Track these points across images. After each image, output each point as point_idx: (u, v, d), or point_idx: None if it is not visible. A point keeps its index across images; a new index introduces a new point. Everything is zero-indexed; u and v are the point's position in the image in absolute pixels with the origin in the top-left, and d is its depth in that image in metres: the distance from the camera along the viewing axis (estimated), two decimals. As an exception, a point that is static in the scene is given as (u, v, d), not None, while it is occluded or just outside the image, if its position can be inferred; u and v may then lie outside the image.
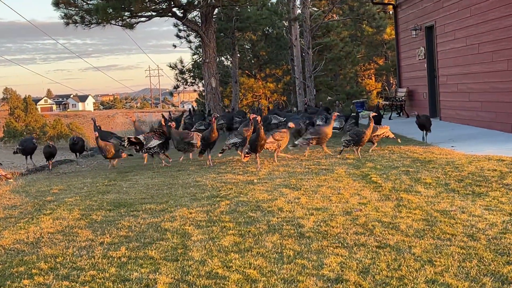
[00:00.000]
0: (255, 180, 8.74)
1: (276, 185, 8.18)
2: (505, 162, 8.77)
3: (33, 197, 8.90)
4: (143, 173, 10.74)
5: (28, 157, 14.60)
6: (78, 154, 14.48)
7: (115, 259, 5.32)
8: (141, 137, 11.39)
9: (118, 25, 18.44)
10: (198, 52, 30.36)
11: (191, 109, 21.16)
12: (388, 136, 11.29)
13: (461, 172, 8.21)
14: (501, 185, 7.31)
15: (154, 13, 19.07)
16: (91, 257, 5.43)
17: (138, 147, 11.47)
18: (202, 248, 5.44)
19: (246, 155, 10.29)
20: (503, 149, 10.06)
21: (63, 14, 18.03)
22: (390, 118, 19.87)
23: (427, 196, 7.00)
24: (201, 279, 4.68)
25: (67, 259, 5.42)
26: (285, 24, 28.20)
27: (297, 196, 7.34)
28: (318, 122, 13.38)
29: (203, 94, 27.81)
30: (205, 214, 6.78)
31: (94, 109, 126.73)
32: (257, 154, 10.15)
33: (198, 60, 30.01)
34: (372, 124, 10.66)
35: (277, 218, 6.35)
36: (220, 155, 11.47)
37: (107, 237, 6.10)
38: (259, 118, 10.18)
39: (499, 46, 12.84)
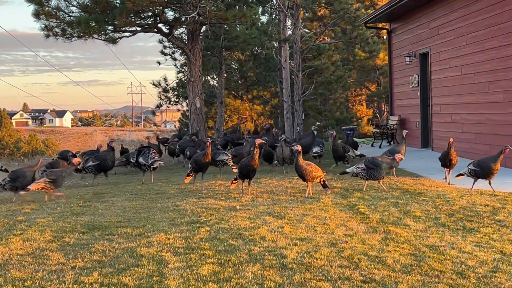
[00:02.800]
0: (238, 207, 8.73)
1: (259, 213, 8.17)
2: (498, 197, 8.83)
3: (3, 216, 8.82)
4: (120, 195, 10.70)
5: None
6: None
7: (87, 285, 5.28)
8: None
9: (101, 39, 18.49)
10: (183, 70, 30.51)
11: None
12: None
13: (452, 206, 8.25)
14: (493, 221, 7.36)
15: (138, 29, 19.18)
16: (61, 282, 5.38)
17: None
18: (179, 277, 5.42)
19: (234, 181, 10.03)
20: (496, 184, 10.11)
21: (43, 25, 18.07)
22: (380, 147, 19.98)
23: (416, 230, 7.02)
24: (176, 309, 4.66)
25: (36, 283, 5.37)
26: (275, 45, 28.37)
27: (281, 225, 7.33)
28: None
29: (187, 114, 27.90)
30: (183, 241, 6.76)
31: (72, 126, 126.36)
32: (248, 180, 9.94)
33: (183, 79, 30.12)
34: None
35: (259, 247, 6.34)
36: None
37: (80, 261, 6.06)
38: (258, 141, 10.18)
39: (496, 77, 12.98)
